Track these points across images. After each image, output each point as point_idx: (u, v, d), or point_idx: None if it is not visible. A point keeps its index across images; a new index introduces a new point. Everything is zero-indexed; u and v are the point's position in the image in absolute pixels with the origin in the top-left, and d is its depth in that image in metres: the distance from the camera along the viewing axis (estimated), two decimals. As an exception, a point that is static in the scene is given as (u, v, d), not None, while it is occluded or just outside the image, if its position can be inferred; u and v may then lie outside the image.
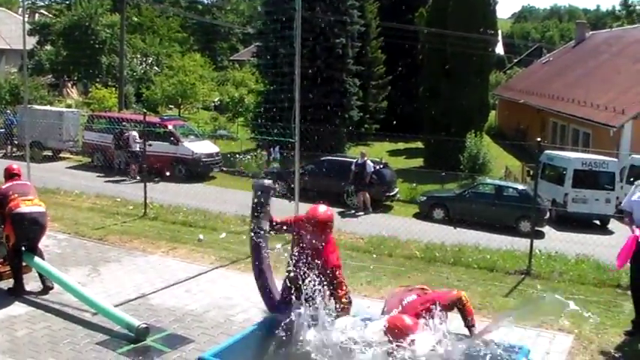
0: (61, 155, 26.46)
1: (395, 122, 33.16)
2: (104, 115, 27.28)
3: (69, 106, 36.24)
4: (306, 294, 5.48)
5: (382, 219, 18.30)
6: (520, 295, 8.47)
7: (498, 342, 5.17)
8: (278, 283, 6.19)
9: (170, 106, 42.33)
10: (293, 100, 11.24)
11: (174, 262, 9.38)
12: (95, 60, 44.11)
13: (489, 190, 20.78)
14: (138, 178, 20.81)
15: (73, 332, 6.66)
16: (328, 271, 5.60)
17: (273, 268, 6.27)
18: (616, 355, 6.60)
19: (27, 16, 45.85)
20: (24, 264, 7.79)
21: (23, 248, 7.68)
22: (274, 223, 6.15)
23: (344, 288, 5.67)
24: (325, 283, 5.54)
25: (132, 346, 6.33)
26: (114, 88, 39.21)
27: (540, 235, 16.90)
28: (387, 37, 35.81)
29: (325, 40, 29.45)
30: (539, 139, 12.33)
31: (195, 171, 23.65)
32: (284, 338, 5.30)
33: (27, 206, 7.63)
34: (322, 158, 22.37)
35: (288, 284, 5.84)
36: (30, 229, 7.63)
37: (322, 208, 5.77)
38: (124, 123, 23.78)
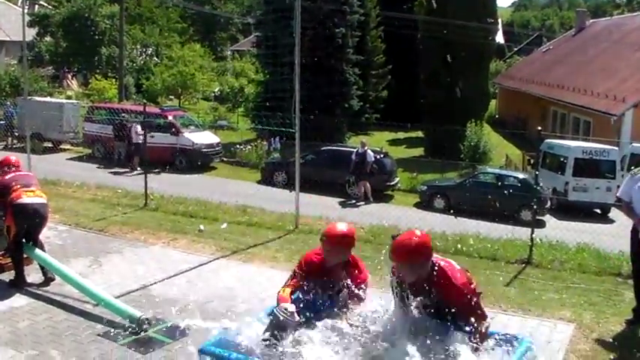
0: (61, 147, 26.45)
1: (395, 111, 33.11)
2: (104, 106, 27.22)
3: (69, 98, 36.21)
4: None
5: (383, 208, 18.33)
6: (521, 285, 8.47)
7: (497, 332, 4.93)
8: None
9: (170, 96, 42.22)
10: (293, 90, 11.21)
11: (176, 253, 9.38)
12: (95, 51, 44.04)
13: (490, 179, 20.78)
14: (139, 169, 20.83)
15: (74, 324, 6.67)
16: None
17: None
18: (617, 343, 6.59)
19: (26, 7, 45.82)
20: (25, 256, 7.78)
21: (24, 240, 7.67)
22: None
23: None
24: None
25: (133, 337, 6.33)
26: (114, 79, 39.21)
27: (541, 224, 16.83)
28: (387, 26, 35.68)
29: (325, 29, 29.35)
30: (539, 128, 12.30)
31: (195, 161, 23.65)
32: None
33: (29, 197, 7.61)
34: (322, 148, 22.38)
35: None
36: (31, 221, 7.62)
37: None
38: (124, 114, 23.75)
